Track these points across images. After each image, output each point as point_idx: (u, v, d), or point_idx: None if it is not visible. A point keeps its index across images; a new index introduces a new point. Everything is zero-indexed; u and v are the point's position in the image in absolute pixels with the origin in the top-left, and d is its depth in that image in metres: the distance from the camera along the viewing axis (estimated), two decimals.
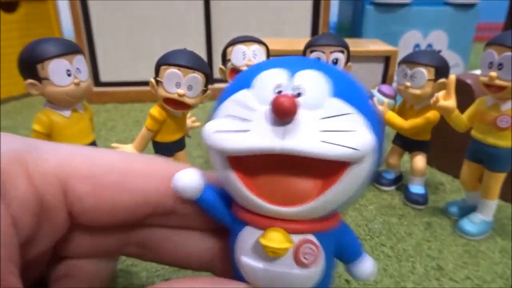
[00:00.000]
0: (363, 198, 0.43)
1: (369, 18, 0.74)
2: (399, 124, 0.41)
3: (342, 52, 0.41)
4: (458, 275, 0.31)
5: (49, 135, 0.32)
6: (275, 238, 0.14)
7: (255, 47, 0.39)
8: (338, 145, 0.12)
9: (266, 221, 0.14)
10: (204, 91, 0.35)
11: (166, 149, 0.36)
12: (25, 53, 0.30)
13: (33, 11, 0.77)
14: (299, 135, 0.13)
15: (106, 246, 0.18)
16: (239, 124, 0.13)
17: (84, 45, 0.70)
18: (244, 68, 0.39)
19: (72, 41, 0.33)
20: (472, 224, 0.36)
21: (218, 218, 0.16)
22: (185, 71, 0.32)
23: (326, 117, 0.13)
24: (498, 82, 0.32)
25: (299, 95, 0.13)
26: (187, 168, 0.16)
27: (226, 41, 0.41)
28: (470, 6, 0.75)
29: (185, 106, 0.34)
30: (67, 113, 0.33)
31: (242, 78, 0.15)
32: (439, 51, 0.77)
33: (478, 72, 0.42)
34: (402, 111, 0.42)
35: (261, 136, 0.13)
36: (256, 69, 0.14)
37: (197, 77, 0.33)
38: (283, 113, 0.12)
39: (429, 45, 0.77)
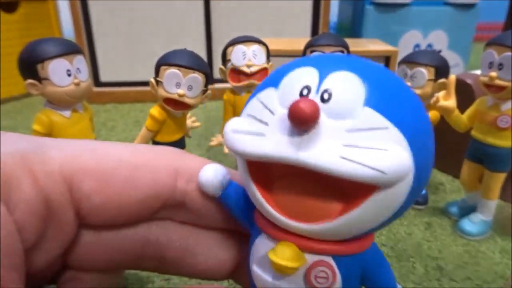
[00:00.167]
0: None
1: (369, 18, 0.74)
2: None
3: (342, 52, 0.41)
4: (458, 275, 0.31)
5: (49, 135, 0.32)
6: (285, 255, 0.12)
7: (255, 47, 0.39)
8: (361, 164, 0.10)
9: (280, 233, 0.13)
10: (204, 91, 0.35)
11: None
12: (25, 53, 0.30)
13: (33, 11, 0.77)
14: (318, 147, 0.11)
15: (120, 259, 0.17)
16: (257, 126, 0.12)
17: (84, 45, 0.70)
18: (244, 68, 0.39)
19: (72, 41, 0.33)
20: (472, 224, 0.36)
21: (240, 219, 0.16)
22: (185, 71, 0.32)
23: (353, 130, 0.11)
24: (498, 82, 0.32)
25: (325, 100, 0.11)
26: (213, 163, 0.16)
27: (226, 41, 0.41)
28: (470, 6, 0.75)
29: (185, 106, 0.34)
30: (67, 113, 0.33)
31: (274, 75, 0.13)
32: (439, 51, 0.77)
33: (478, 72, 0.42)
34: None
35: (276, 144, 0.11)
36: (289, 66, 0.13)
37: (197, 77, 0.33)
38: (300, 120, 0.11)
39: (429, 45, 0.77)
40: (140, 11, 0.71)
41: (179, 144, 0.37)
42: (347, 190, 0.12)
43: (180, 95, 0.33)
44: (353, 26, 0.81)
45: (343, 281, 0.13)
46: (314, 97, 0.12)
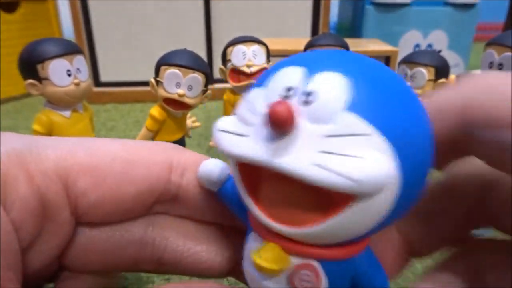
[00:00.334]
0: None
1: (369, 18, 0.74)
2: None
3: None
4: None
5: (49, 135, 0.32)
6: (267, 257, 0.12)
7: (255, 47, 0.40)
8: (334, 172, 0.10)
9: (267, 233, 0.13)
10: (204, 91, 0.35)
11: None
12: (25, 53, 0.30)
13: (33, 11, 0.77)
14: (293, 152, 0.11)
15: (116, 262, 0.17)
16: (241, 127, 0.12)
17: (84, 45, 0.70)
18: (245, 69, 0.39)
19: (72, 41, 0.33)
20: None
21: (237, 214, 0.15)
22: (185, 71, 0.32)
23: (332, 135, 0.10)
24: None
25: (306, 103, 0.11)
26: (213, 159, 0.16)
27: (226, 41, 0.41)
28: (470, 6, 0.75)
29: (185, 106, 0.34)
30: (67, 113, 0.33)
31: (264, 74, 0.13)
32: (439, 51, 0.77)
33: (478, 72, 0.42)
34: None
35: (254, 146, 0.11)
36: (279, 65, 0.12)
37: (197, 77, 0.33)
38: (275, 123, 0.10)
39: (429, 45, 0.77)
40: (140, 11, 0.71)
41: (179, 144, 0.37)
42: (328, 197, 0.11)
43: (180, 95, 0.33)
44: (353, 26, 0.81)
45: (331, 285, 0.13)
46: (296, 99, 0.11)
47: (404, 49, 0.73)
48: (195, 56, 0.34)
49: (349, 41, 0.43)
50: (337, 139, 0.10)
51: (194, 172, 0.17)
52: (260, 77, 0.13)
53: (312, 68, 0.11)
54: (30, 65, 0.30)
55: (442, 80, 0.38)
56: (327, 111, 0.11)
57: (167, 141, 0.39)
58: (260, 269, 0.12)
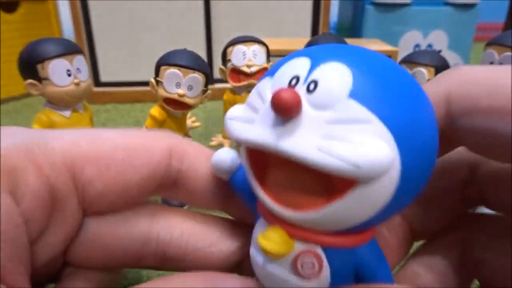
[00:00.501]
0: None
1: (369, 18, 0.74)
2: None
3: None
4: None
5: None
6: (272, 239, 0.12)
7: (255, 47, 0.39)
8: (335, 157, 0.10)
9: (274, 218, 0.13)
10: (204, 91, 0.35)
11: None
12: (25, 53, 0.30)
13: (33, 11, 0.77)
14: (296, 137, 0.11)
15: (121, 257, 0.17)
16: (250, 113, 0.12)
17: (84, 45, 0.70)
18: (245, 69, 0.39)
19: (72, 41, 0.33)
20: None
21: (247, 203, 0.16)
22: (185, 71, 0.32)
23: (335, 121, 0.11)
24: None
25: (311, 90, 0.11)
26: (225, 149, 0.17)
27: (226, 41, 0.41)
28: (470, 6, 0.75)
29: (185, 106, 0.34)
30: (67, 113, 0.33)
31: (274, 65, 0.13)
32: (439, 51, 0.77)
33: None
34: None
35: (260, 131, 0.12)
36: (288, 57, 0.13)
37: (197, 77, 0.33)
38: (279, 109, 0.11)
39: (429, 45, 0.77)
40: (140, 11, 0.71)
41: None
42: (331, 182, 0.11)
43: (180, 95, 0.33)
44: (353, 26, 0.81)
45: (334, 273, 0.13)
46: (301, 87, 0.12)
47: (404, 49, 0.73)
48: (195, 56, 0.34)
49: (349, 41, 0.43)
50: (340, 125, 0.11)
51: (193, 158, 0.17)
52: (270, 69, 0.14)
53: (317, 59, 0.12)
54: (30, 65, 0.30)
55: None
56: (330, 98, 0.11)
57: None
58: (265, 251, 0.12)
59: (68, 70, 0.31)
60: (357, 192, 0.11)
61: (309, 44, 0.42)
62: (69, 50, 0.31)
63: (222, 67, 0.41)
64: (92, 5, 0.69)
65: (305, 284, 0.13)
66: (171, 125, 0.35)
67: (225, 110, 0.43)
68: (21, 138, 0.14)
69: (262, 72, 0.40)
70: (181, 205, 0.37)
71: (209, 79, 0.34)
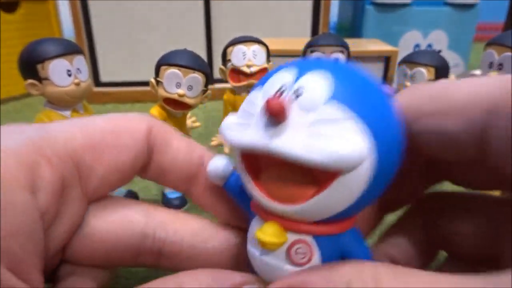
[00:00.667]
0: None
1: (369, 18, 0.74)
2: None
3: (342, 52, 0.41)
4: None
5: None
6: (268, 232, 0.14)
7: (255, 47, 0.40)
8: (321, 152, 0.12)
9: (268, 215, 0.15)
10: (204, 91, 0.35)
11: None
12: (25, 53, 0.30)
13: (33, 11, 0.77)
14: (286, 137, 0.13)
15: (118, 254, 0.18)
16: (245, 118, 0.14)
17: (84, 45, 0.70)
18: (245, 69, 0.39)
19: (72, 41, 0.33)
20: None
21: (241, 204, 0.18)
22: (185, 71, 0.32)
23: (318, 121, 0.13)
24: None
25: (297, 96, 0.13)
26: (219, 156, 0.18)
27: (226, 41, 0.41)
28: (470, 6, 0.75)
29: (185, 106, 0.34)
30: (67, 113, 0.33)
31: (265, 76, 0.15)
32: (439, 51, 0.77)
33: (478, 72, 0.42)
34: None
35: (254, 134, 0.13)
36: (277, 69, 0.15)
37: (197, 77, 0.33)
38: (270, 113, 0.13)
39: (429, 45, 0.77)
40: (140, 11, 0.71)
41: None
42: (317, 176, 0.13)
43: (180, 95, 0.33)
44: (353, 26, 0.81)
45: (323, 258, 0.15)
46: (289, 93, 0.13)
47: (404, 49, 0.73)
48: (195, 56, 0.34)
49: (349, 41, 0.43)
50: (322, 125, 0.13)
51: (166, 133, 0.19)
52: (260, 80, 0.15)
53: (302, 70, 0.14)
54: (30, 65, 0.30)
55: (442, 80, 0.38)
56: (313, 102, 0.13)
57: None
58: (263, 244, 0.14)
59: (68, 70, 0.31)
60: (339, 181, 0.13)
61: (309, 44, 0.42)
62: (69, 50, 0.31)
63: (222, 67, 0.41)
64: (92, 5, 0.69)
65: (299, 270, 0.15)
66: (171, 125, 0.35)
67: (225, 110, 0.43)
68: (27, 134, 0.15)
69: (262, 72, 0.40)
70: (181, 206, 0.37)
71: (209, 79, 0.34)
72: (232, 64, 0.39)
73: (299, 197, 0.14)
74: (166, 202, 0.37)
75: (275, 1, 0.72)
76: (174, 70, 0.32)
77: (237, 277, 0.16)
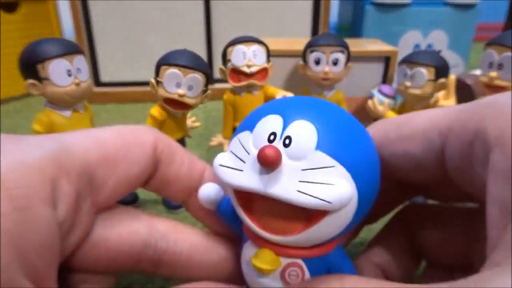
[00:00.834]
0: None
1: (369, 18, 0.74)
2: None
3: (342, 52, 0.41)
4: None
5: None
6: (263, 259, 0.16)
7: (255, 47, 0.39)
8: (312, 196, 0.14)
9: (261, 241, 0.16)
10: (204, 91, 0.35)
11: None
12: (25, 53, 0.30)
13: (33, 11, 0.77)
14: (280, 183, 0.14)
15: (121, 261, 0.18)
16: (237, 163, 0.16)
17: (84, 45, 0.70)
18: (245, 69, 0.39)
19: (72, 41, 0.33)
20: None
21: (233, 227, 0.19)
22: (185, 71, 0.32)
23: (307, 169, 0.14)
24: (498, 82, 0.32)
25: (286, 145, 0.15)
26: (210, 183, 0.19)
27: (226, 41, 0.41)
28: (470, 6, 0.75)
29: (185, 106, 0.34)
30: (68, 113, 0.33)
31: (250, 119, 0.17)
32: (439, 51, 0.77)
33: (478, 72, 0.42)
34: (402, 111, 0.42)
35: (249, 178, 0.15)
36: (262, 113, 0.16)
37: (197, 77, 0.33)
38: (266, 163, 0.14)
39: (429, 45, 0.77)
40: (140, 11, 0.71)
41: (180, 144, 0.37)
42: (307, 212, 0.15)
43: (180, 95, 0.33)
44: (353, 26, 0.81)
45: (312, 276, 0.16)
46: (278, 142, 0.15)
47: (404, 49, 0.72)
48: (195, 56, 0.34)
49: (349, 41, 0.43)
50: (312, 171, 0.14)
51: (170, 146, 0.20)
52: (246, 121, 0.17)
53: (288, 117, 0.15)
54: (30, 65, 0.30)
55: (442, 80, 0.38)
56: (302, 151, 0.14)
57: None
58: (259, 270, 0.16)
59: (69, 70, 0.31)
60: (328, 219, 0.14)
61: (309, 44, 0.42)
62: (69, 50, 0.31)
63: (222, 67, 0.41)
64: (92, 5, 0.69)
65: None
66: (171, 125, 0.35)
67: (225, 110, 0.43)
68: (48, 148, 0.15)
69: (262, 72, 0.40)
70: (180, 206, 0.37)
71: (209, 79, 0.34)
72: (232, 64, 0.39)
73: (291, 230, 0.15)
74: (166, 202, 0.37)
75: (275, 1, 0.72)
76: (174, 70, 0.32)
77: None
